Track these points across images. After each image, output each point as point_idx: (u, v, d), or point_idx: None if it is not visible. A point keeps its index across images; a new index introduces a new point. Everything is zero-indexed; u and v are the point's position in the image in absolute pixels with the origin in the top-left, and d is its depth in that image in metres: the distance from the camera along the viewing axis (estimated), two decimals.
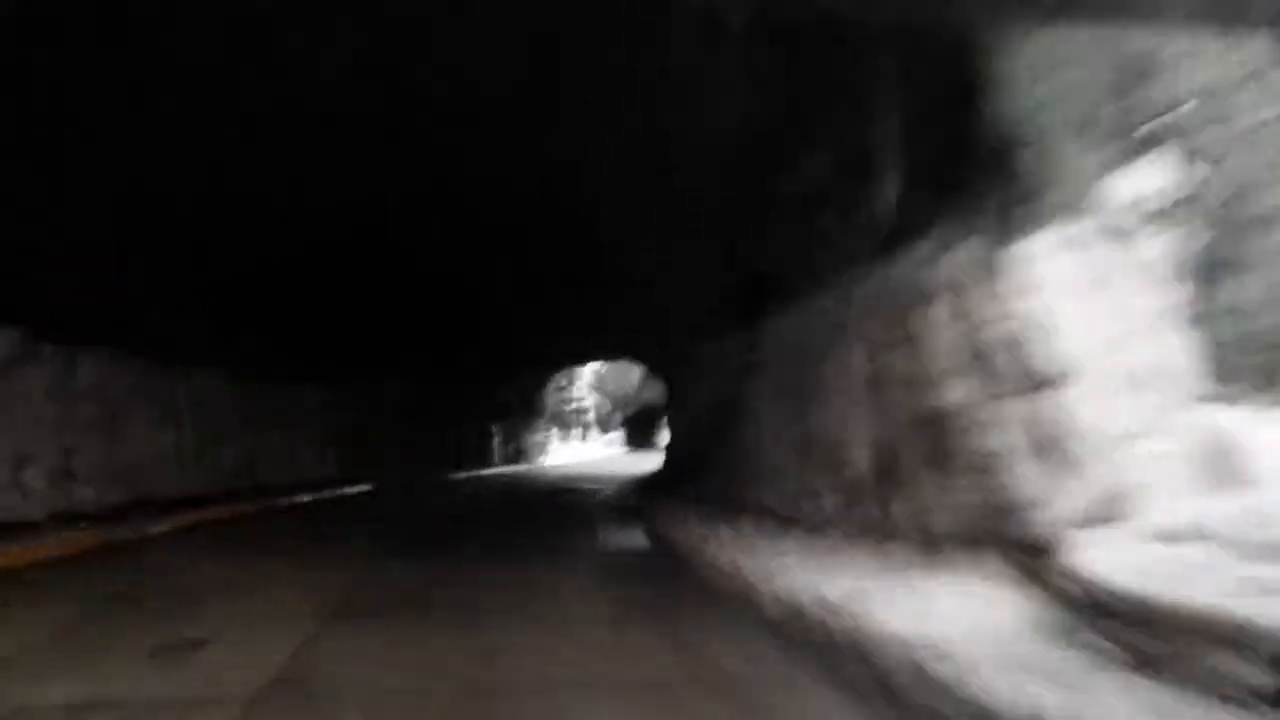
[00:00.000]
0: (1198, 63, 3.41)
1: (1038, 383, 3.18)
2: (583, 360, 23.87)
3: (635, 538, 6.88)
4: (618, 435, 49.62)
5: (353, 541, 6.92)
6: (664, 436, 14.77)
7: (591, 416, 47.60)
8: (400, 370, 14.85)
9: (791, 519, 5.09)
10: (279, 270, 9.05)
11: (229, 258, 8.37)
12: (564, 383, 46.72)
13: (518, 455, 23.31)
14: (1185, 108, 3.40)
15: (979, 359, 3.45)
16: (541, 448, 26.85)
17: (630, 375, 49.82)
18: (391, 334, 13.19)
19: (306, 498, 10.54)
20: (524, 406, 23.52)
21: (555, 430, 42.93)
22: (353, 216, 8.52)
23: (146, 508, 7.83)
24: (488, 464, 20.34)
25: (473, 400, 19.20)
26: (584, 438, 45.96)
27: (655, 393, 50.90)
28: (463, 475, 17.24)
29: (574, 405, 45.92)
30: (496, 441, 21.47)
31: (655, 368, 18.01)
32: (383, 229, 9.11)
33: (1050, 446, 3.13)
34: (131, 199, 6.56)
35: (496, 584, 4.63)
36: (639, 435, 56.25)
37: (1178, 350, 3.32)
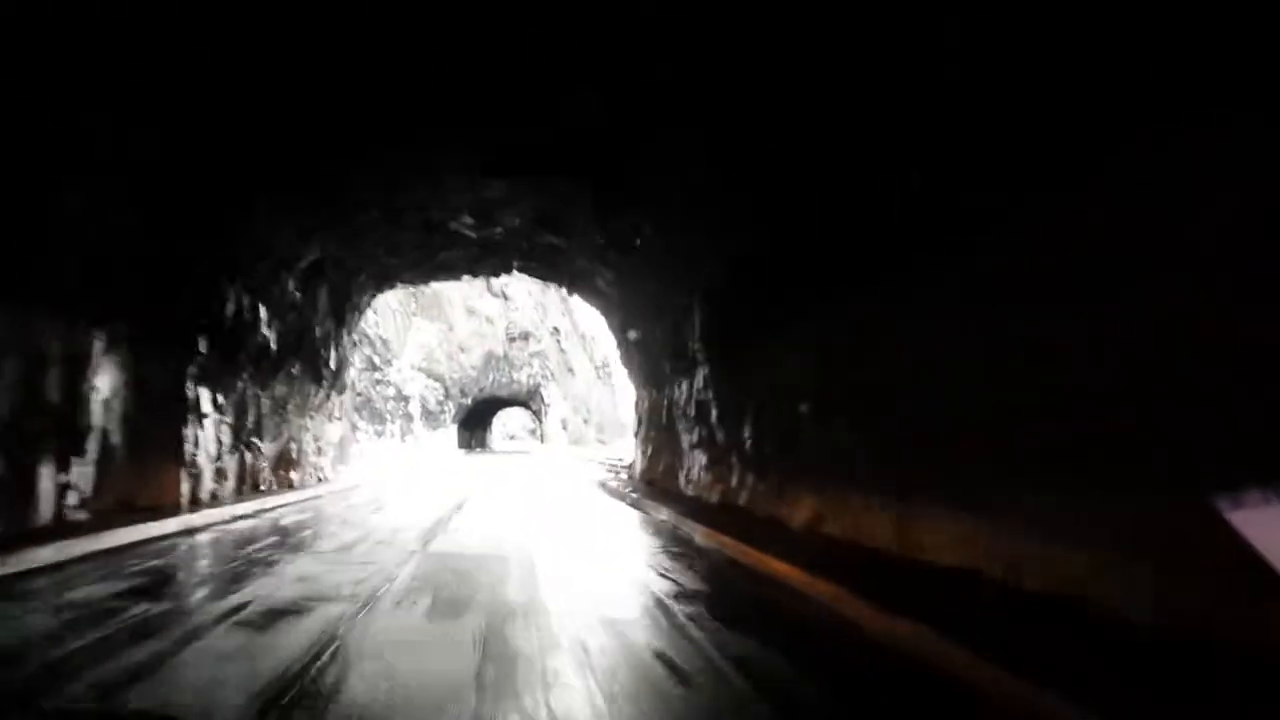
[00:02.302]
0: None
1: None
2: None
3: None
4: (450, 434, 36.21)
5: None
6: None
7: (416, 408, 33.69)
8: None
9: None
10: None
11: None
12: (378, 361, 32.87)
13: (282, 469, 9.89)
14: None
15: None
16: (340, 452, 13.42)
17: (470, 354, 36.79)
18: None
19: None
20: (299, 346, 10.04)
21: (364, 423, 28.67)
22: None
23: None
24: (178, 502, 6.98)
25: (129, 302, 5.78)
26: (405, 436, 32.05)
27: (503, 376, 37.84)
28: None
29: (393, 391, 31.76)
30: (206, 437, 8.01)
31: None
32: None
33: None
34: None
35: None
36: (473, 434, 43.00)
37: None
